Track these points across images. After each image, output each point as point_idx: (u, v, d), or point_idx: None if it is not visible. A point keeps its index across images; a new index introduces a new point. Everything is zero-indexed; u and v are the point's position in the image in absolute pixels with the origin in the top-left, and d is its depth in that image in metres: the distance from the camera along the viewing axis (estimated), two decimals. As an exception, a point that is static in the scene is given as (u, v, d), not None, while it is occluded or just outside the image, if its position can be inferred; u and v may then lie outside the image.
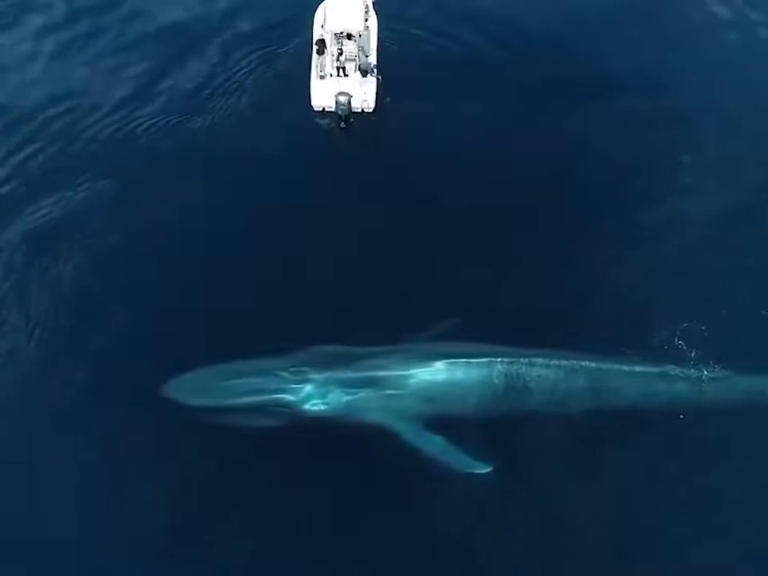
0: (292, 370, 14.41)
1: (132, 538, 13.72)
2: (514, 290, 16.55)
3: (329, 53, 20.54)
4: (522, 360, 14.94)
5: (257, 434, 14.25)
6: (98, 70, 20.55)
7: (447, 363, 14.75)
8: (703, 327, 15.87)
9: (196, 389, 14.29)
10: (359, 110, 20.30)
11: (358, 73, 20.44)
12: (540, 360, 14.96)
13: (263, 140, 19.52)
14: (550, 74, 21.05)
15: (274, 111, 20.13)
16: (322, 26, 20.62)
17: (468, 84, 20.82)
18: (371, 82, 20.49)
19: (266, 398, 14.30)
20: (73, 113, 19.43)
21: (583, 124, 20.00)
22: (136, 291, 16.32)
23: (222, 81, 20.54)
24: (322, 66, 20.53)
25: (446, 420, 14.60)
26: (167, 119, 19.82)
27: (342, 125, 20.17)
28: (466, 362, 14.76)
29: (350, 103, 19.98)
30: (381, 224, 17.70)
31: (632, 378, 15.28)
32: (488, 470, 14.07)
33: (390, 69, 20.72)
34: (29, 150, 18.81)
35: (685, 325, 15.86)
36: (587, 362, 15.17)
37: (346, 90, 20.05)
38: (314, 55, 20.63)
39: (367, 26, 20.71)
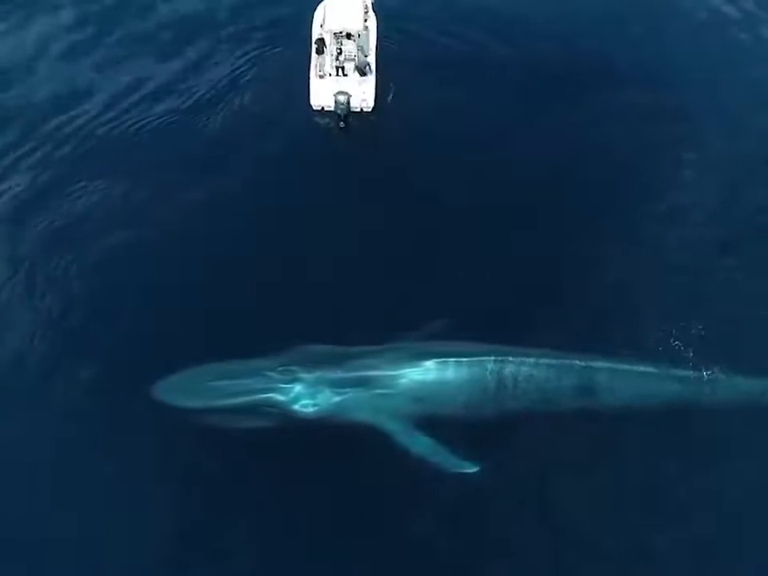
0: (281, 369, 14.34)
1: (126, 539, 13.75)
2: (508, 289, 16.47)
3: (328, 52, 20.59)
4: (514, 359, 14.81)
5: (244, 435, 14.19)
6: (87, 71, 20.74)
7: (438, 363, 14.65)
8: (701, 326, 15.73)
9: (184, 390, 14.23)
10: (358, 110, 20.31)
11: (357, 72, 20.43)
12: (532, 359, 14.83)
13: (262, 139, 19.56)
14: (552, 73, 21.01)
15: (273, 110, 20.20)
16: (322, 26, 20.67)
17: (467, 83, 20.75)
18: (370, 81, 20.49)
19: (254, 398, 14.21)
20: (68, 114, 19.56)
21: (584, 124, 19.88)
22: (123, 291, 16.37)
23: (221, 80, 20.60)
24: (321, 66, 20.56)
25: (436, 419, 14.51)
26: (168, 119, 19.91)
27: (341, 124, 20.19)
28: (456, 361, 14.66)
29: (348, 102, 20.00)
30: (376, 223, 17.64)
31: (625, 377, 15.15)
32: (476, 469, 13.98)
33: (389, 68, 20.71)
34: (28, 149, 18.96)
35: (682, 324, 15.72)
36: (580, 362, 15.00)
37: (345, 90, 20.06)
38: (314, 55, 20.67)
39: (366, 26, 20.73)
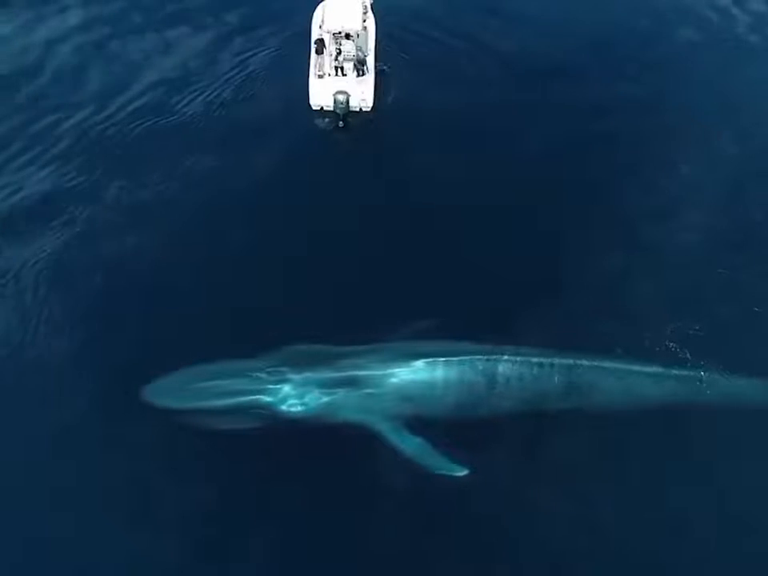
0: (269, 370, 14.38)
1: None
2: (501, 288, 16.38)
3: (327, 52, 20.64)
4: (506, 358, 14.78)
5: (233, 436, 14.17)
6: (84, 73, 20.82)
7: (427, 362, 14.61)
8: (698, 327, 15.64)
9: (173, 392, 14.28)
10: (357, 109, 20.34)
11: (356, 72, 20.45)
12: (521, 358, 14.78)
13: (262, 138, 19.61)
14: (552, 72, 20.93)
15: (272, 110, 20.23)
16: (321, 26, 20.70)
17: (467, 82, 20.73)
18: (369, 81, 20.51)
19: (243, 399, 14.25)
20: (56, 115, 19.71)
21: (584, 124, 19.81)
22: (111, 294, 16.41)
23: (220, 80, 20.70)
24: (321, 66, 20.63)
25: (425, 419, 14.47)
26: (167, 119, 19.99)
27: (340, 123, 20.24)
28: (445, 360, 14.62)
29: (348, 102, 20.04)
30: (370, 222, 17.67)
31: (617, 377, 15.07)
32: (465, 472, 13.92)
33: (388, 67, 20.73)
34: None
35: (679, 324, 15.61)
36: (573, 360, 14.95)
37: (344, 89, 20.09)
38: (313, 55, 20.75)
39: (365, 26, 20.74)
